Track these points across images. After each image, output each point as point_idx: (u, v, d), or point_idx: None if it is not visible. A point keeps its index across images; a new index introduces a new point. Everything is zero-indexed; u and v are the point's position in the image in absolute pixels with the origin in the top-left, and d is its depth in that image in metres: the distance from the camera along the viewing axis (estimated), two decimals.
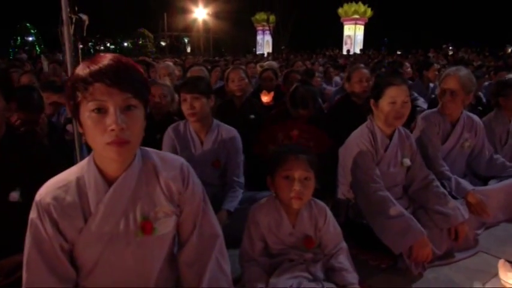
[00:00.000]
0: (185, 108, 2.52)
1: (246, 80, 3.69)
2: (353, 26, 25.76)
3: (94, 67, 1.12)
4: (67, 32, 2.51)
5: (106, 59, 1.15)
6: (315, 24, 28.20)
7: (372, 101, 2.35)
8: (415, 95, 5.28)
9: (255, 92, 4.68)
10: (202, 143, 2.67)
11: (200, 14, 29.08)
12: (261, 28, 30.25)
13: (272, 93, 3.99)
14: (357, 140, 2.33)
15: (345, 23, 26.16)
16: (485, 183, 2.92)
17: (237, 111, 3.73)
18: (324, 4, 25.04)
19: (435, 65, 5.56)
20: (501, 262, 2.02)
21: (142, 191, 1.29)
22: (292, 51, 23.95)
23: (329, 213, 1.90)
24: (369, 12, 25.68)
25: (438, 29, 27.13)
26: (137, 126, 1.18)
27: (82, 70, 1.13)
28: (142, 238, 1.28)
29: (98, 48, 37.98)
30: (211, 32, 29.84)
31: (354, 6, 25.20)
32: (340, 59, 17.76)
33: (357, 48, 23.51)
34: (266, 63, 6.00)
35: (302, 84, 3.14)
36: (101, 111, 1.13)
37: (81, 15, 2.48)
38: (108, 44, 36.50)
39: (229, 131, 2.70)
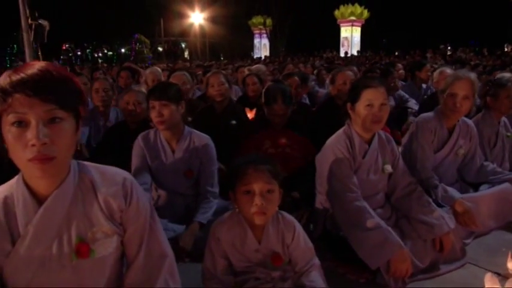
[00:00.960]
0: (153, 115, 2.40)
1: (226, 85, 3.56)
2: (350, 27, 25.67)
3: (16, 77, 1.02)
4: (27, 38, 2.38)
5: (31, 67, 1.05)
6: (311, 27, 28.12)
7: (348, 105, 2.21)
8: (407, 96, 5.16)
9: (242, 97, 4.57)
10: (173, 151, 2.55)
11: (197, 19, 29.01)
12: (258, 32, 30.23)
13: (254, 110, 3.86)
14: (333, 146, 2.19)
15: (341, 25, 26.09)
16: (476, 189, 2.79)
17: (218, 117, 3.60)
18: (320, 6, 25.01)
19: (427, 65, 5.43)
20: (488, 276, 1.88)
21: (77, 210, 1.17)
22: (289, 54, 23.87)
23: (298, 227, 1.77)
24: (366, 13, 25.60)
25: (436, 30, 27.04)
26: (64, 140, 1.07)
27: (3, 80, 1.03)
28: (78, 261, 1.16)
29: (95, 55, 38.06)
30: (208, 36, 29.79)
31: (350, 8, 25.14)
32: (337, 61, 17.74)
33: (354, 50, 23.40)
34: (254, 67, 5.87)
35: (273, 82, 3.02)
36: (22, 124, 1.02)
37: (41, 21, 2.36)
38: (106, 51, 36.48)
39: (201, 139, 2.57)
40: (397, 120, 4.74)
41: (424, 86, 5.44)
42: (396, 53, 19.62)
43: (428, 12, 28.23)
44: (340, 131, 2.26)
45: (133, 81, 5.67)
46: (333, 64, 14.95)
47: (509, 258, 2.12)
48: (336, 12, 25.79)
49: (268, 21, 28.43)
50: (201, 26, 29.23)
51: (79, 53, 38.62)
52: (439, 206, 2.37)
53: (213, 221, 2.33)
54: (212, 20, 29.21)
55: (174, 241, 2.20)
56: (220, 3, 27.63)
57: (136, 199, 1.25)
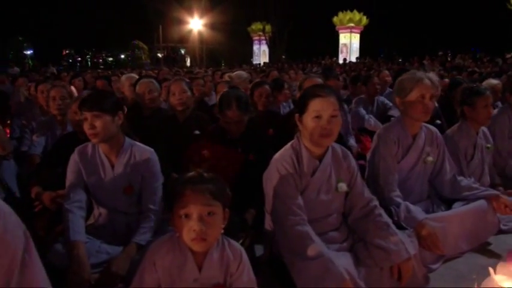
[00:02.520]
0: (86, 128, 2.19)
1: (188, 93, 3.35)
2: (348, 34, 25.45)
3: None
4: None
5: None
6: (311, 34, 27.99)
7: (296, 116, 1.99)
8: (390, 104, 4.93)
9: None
10: (113, 166, 2.33)
11: (196, 25, 28.97)
12: (257, 38, 30.09)
13: None
14: (278, 162, 1.96)
15: (340, 31, 25.87)
16: (449, 207, 2.55)
17: (181, 127, 3.39)
18: (319, 13, 24.84)
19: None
20: None
21: None
22: (289, 61, 23.70)
23: (244, 256, 1.58)
24: (364, 20, 25.40)
25: (437, 36, 26.83)
26: None
27: None
28: None
29: (95, 60, 38.12)
30: (206, 42, 29.71)
31: (348, 15, 24.95)
32: (335, 68, 17.55)
33: (353, 57, 23.17)
34: (234, 74, 5.66)
35: (232, 88, 2.83)
36: None
37: None
38: (106, 57, 36.53)
39: (143, 152, 2.35)
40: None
41: None
42: (400, 60, 19.41)
43: (429, 19, 27.98)
44: (288, 145, 2.03)
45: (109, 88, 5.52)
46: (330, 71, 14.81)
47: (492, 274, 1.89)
48: (335, 19, 25.57)
49: (268, 27, 28.28)
50: (200, 33, 29.19)
51: (79, 59, 38.68)
52: (403, 228, 2.14)
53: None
54: (211, 26, 29.16)
55: (107, 265, 2.01)
56: (219, 10, 27.55)
57: (3, 231, 1.04)
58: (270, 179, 1.96)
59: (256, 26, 29.03)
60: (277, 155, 2.01)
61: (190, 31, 29.54)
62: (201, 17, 28.52)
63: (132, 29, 30.30)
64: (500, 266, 1.96)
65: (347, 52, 25.13)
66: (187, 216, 1.43)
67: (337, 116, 1.90)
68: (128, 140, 2.36)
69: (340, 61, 21.76)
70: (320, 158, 2.00)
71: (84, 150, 2.34)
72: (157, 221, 2.29)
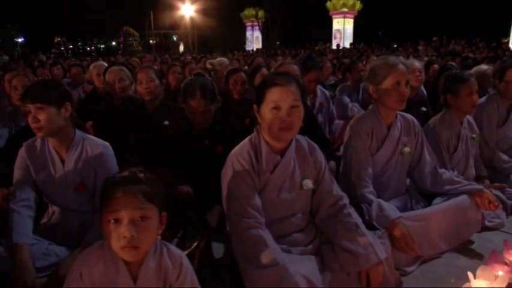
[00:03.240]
0: (30, 121, 1.99)
1: (157, 82, 3.13)
2: (342, 19, 24.96)
3: None
4: None
5: None
6: (304, 19, 27.54)
7: (255, 107, 1.79)
8: None
9: None
10: (63, 162, 2.14)
11: (187, 11, 28.44)
12: (250, 24, 29.59)
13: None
14: (233, 158, 1.78)
15: (333, 16, 25.36)
16: (429, 202, 2.38)
17: (149, 117, 3.19)
18: None
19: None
20: None
21: None
22: (281, 47, 23.35)
23: (186, 265, 1.41)
24: (358, 5, 24.91)
25: (432, 21, 26.42)
26: None
27: None
28: None
29: (87, 48, 37.57)
30: (199, 29, 29.22)
31: (342, 0, 24.50)
32: (329, 54, 17.26)
33: (347, 43, 22.78)
34: (216, 60, 5.44)
35: (196, 76, 2.62)
36: None
37: None
38: (98, 44, 35.98)
39: (95, 146, 2.16)
40: None
41: None
42: (395, 46, 19.09)
43: (424, 4, 27.50)
44: (246, 139, 1.85)
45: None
46: (324, 56, 14.51)
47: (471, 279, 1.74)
48: (328, 4, 25.04)
49: (261, 13, 27.79)
50: (192, 19, 28.69)
51: (71, 46, 38.06)
52: (375, 229, 1.97)
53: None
54: (203, 12, 28.63)
55: (55, 268, 1.89)
56: None
57: None
58: (225, 176, 1.78)
59: (249, 11, 28.51)
60: (234, 150, 1.83)
61: (182, 17, 29.00)
62: (192, 2, 27.99)
63: (123, 15, 29.76)
64: (481, 270, 1.80)
65: (340, 38, 24.70)
66: (116, 221, 1.26)
67: (299, 106, 1.71)
68: (78, 133, 2.17)
69: (334, 47, 21.41)
70: (282, 153, 1.81)
71: (32, 145, 2.15)
72: None
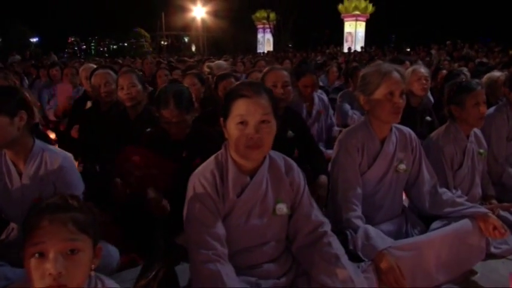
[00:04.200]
0: None
1: (139, 87, 2.93)
2: (354, 22, 24.62)
3: None
4: None
5: None
6: (316, 22, 27.24)
7: (221, 120, 1.58)
8: None
9: None
10: (20, 175, 1.96)
11: (199, 13, 28.39)
12: (261, 26, 29.40)
13: None
14: (195, 178, 1.57)
15: (345, 19, 25.04)
16: (427, 226, 2.13)
17: (132, 125, 2.99)
18: (325, 0, 24.10)
19: (406, 63, 4.70)
20: None
21: None
22: (292, 50, 23.08)
23: None
24: (370, 8, 24.51)
25: (447, 25, 25.85)
26: None
27: None
28: None
29: (100, 48, 37.88)
30: (210, 30, 29.15)
31: (354, 2, 24.06)
32: (339, 57, 16.95)
33: (358, 46, 22.44)
34: (214, 63, 5.24)
35: (170, 83, 2.42)
36: None
37: None
38: (110, 45, 36.25)
39: (55, 158, 1.97)
40: None
41: None
42: (408, 49, 18.68)
43: (438, 7, 26.89)
44: (212, 157, 1.63)
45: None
46: (332, 60, 14.22)
47: None
48: (340, 7, 24.74)
49: (272, 15, 27.58)
50: (203, 20, 28.62)
51: (84, 46, 38.40)
52: (360, 260, 1.74)
53: None
54: (215, 14, 28.55)
55: None
56: None
57: None
58: (186, 199, 1.57)
59: (261, 13, 28.33)
60: (198, 169, 1.61)
61: (193, 19, 28.98)
62: (204, 4, 27.92)
63: (134, 16, 29.89)
64: None
65: (352, 41, 24.36)
66: (41, 255, 1.08)
67: (270, 121, 1.49)
68: (38, 143, 1.98)
69: (345, 50, 21.09)
70: (252, 174, 1.59)
71: None
72: None
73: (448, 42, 17.04)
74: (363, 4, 24.23)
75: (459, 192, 2.38)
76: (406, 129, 2.15)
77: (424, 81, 3.50)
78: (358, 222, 1.83)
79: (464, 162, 2.44)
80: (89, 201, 1.28)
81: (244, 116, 1.46)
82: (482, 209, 2.07)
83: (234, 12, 27.34)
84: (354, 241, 1.76)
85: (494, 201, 2.54)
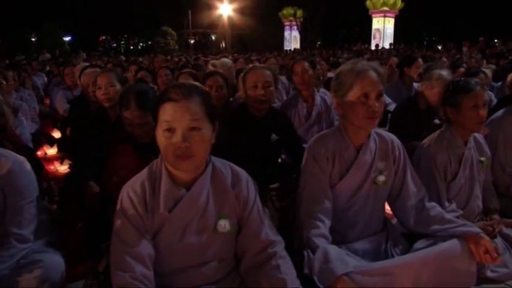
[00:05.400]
0: None
1: (118, 87, 2.80)
2: (382, 18, 23.77)
3: None
4: None
5: None
6: (344, 19, 26.62)
7: (153, 127, 1.41)
8: (389, 99, 4.20)
9: None
10: None
11: (225, 10, 28.37)
12: (288, 23, 29.04)
13: None
14: (124, 191, 1.41)
15: (373, 15, 24.22)
16: (410, 245, 1.89)
17: (112, 126, 2.87)
18: None
19: (419, 60, 4.38)
20: None
21: None
22: (323, 47, 22.63)
23: None
24: (399, 3, 23.64)
25: (481, 21, 24.60)
26: None
27: None
28: None
29: (130, 47, 38.67)
30: (236, 28, 29.08)
31: None
32: (366, 55, 16.44)
33: (387, 43, 21.69)
34: (219, 62, 5.07)
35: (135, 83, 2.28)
36: None
37: None
38: (137, 42, 36.93)
39: (5, 163, 1.85)
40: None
41: (415, 85, 4.40)
42: (439, 47, 17.88)
43: (471, 2, 25.54)
44: (147, 167, 1.47)
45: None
46: (358, 58, 13.80)
47: None
48: (368, 3, 23.92)
49: (299, 12, 27.21)
50: (229, 18, 28.59)
51: (114, 44, 39.27)
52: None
53: (8, 275, 1.73)
54: (241, 11, 28.44)
55: None
56: None
57: None
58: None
59: (288, 11, 27.98)
60: (129, 180, 1.45)
61: (220, 16, 29.00)
62: (230, 1, 27.86)
63: (161, 14, 30.23)
64: None
65: (380, 38, 23.56)
66: None
67: (201, 128, 1.31)
68: None
69: (373, 47, 20.46)
70: (189, 185, 1.41)
71: None
72: (22, 249, 1.82)
73: (480, 38, 16.17)
74: (391, 0, 23.42)
75: (453, 206, 2.12)
76: (389, 136, 1.91)
77: None
78: (319, 241, 1.60)
79: (460, 171, 2.17)
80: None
81: (171, 123, 1.29)
82: (474, 229, 1.81)
83: (261, 9, 27.13)
84: (310, 264, 1.55)
85: (496, 217, 2.25)
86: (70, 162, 3.34)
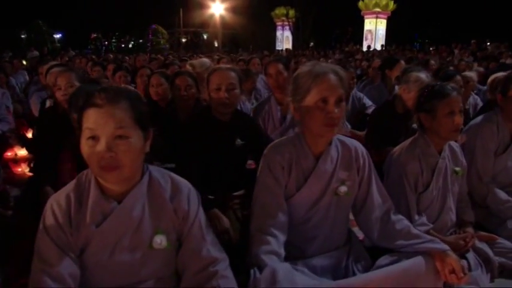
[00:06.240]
0: None
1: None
2: (374, 20, 23.73)
3: None
4: None
5: None
6: (338, 20, 26.54)
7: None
8: (370, 102, 4.09)
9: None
10: None
11: (217, 9, 28.18)
12: (280, 24, 28.92)
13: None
14: (48, 204, 1.28)
15: (365, 16, 24.19)
16: (373, 261, 1.76)
17: (72, 129, 2.71)
18: None
19: (401, 62, 4.27)
20: None
21: None
22: (316, 48, 22.51)
23: None
24: (392, 5, 23.60)
25: (474, 24, 24.64)
26: None
27: None
28: None
29: (121, 45, 38.34)
30: (228, 27, 28.88)
31: None
32: (357, 56, 16.37)
33: (378, 44, 21.65)
34: (197, 61, 4.91)
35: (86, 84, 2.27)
36: None
37: None
38: (128, 41, 36.64)
39: None
40: (355, 128, 3.71)
41: (397, 88, 4.29)
42: (432, 48, 17.85)
43: (464, 5, 25.57)
44: (75, 179, 1.33)
45: None
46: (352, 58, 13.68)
47: None
48: (360, 3, 23.89)
49: (291, 12, 27.09)
50: (221, 17, 28.40)
51: (106, 42, 38.86)
52: None
53: None
54: (233, 10, 28.22)
55: None
56: None
57: None
58: None
59: (280, 10, 27.84)
60: (59, 191, 1.31)
61: (211, 15, 28.79)
62: (222, 1, 27.68)
63: (152, 13, 29.99)
64: None
65: (372, 39, 23.54)
66: None
67: (129, 137, 1.17)
68: None
69: (365, 48, 20.41)
70: (121, 198, 1.27)
71: None
72: None
73: (472, 41, 16.16)
74: (383, 1, 23.35)
75: (424, 219, 2.00)
76: (352, 143, 1.78)
77: None
78: (268, 259, 1.46)
79: (433, 182, 2.05)
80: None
81: (94, 130, 1.15)
82: (441, 245, 1.68)
83: (253, 8, 26.93)
84: (255, 284, 1.41)
85: (470, 229, 2.13)
86: (31, 165, 3.19)
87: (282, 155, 1.64)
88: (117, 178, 1.19)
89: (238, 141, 2.39)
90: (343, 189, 1.71)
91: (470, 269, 1.92)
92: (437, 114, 1.98)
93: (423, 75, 2.96)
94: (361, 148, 1.79)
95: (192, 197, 1.37)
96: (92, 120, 1.15)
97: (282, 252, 1.53)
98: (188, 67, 4.90)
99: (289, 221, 1.65)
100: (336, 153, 1.71)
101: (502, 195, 2.37)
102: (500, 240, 2.14)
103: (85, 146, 1.17)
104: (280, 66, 3.20)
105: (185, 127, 2.47)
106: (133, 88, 1.28)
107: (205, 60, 5.08)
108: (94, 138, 1.15)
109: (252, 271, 1.44)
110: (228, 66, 2.55)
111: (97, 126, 1.15)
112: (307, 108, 1.57)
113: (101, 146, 1.14)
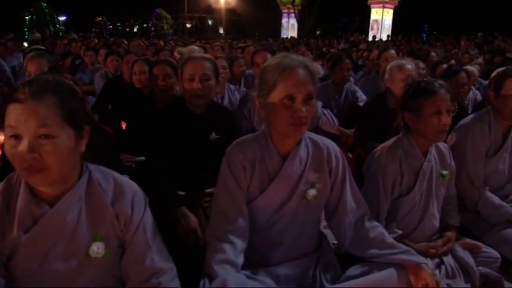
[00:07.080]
0: None
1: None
2: (381, 9, 23.26)
3: None
4: None
5: None
6: (345, 8, 26.05)
7: None
8: (364, 96, 3.93)
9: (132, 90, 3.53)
10: None
11: None
12: (286, 11, 28.45)
13: None
14: None
15: (372, 6, 23.71)
16: (344, 270, 1.64)
17: None
18: None
19: (391, 51, 4.10)
20: None
21: None
22: (324, 36, 22.16)
23: None
24: None
25: (483, 16, 24.12)
26: None
27: None
28: None
29: (126, 29, 38.02)
30: (233, 13, 28.48)
31: None
32: (361, 45, 16.09)
33: (384, 34, 21.26)
34: (186, 48, 4.76)
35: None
36: None
37: None
38: (133, 25, 36.32)
39: None
40: (347, 123, 3.56)
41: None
42: (438, 40, 17.49)
43: None
44: (5, 180, 1.21)
45: None
46: (357, 48, 13.42)
47: None
48: None
49: (297, 0, 26.62)
50: (227, 2, 28.00)
51: (110, 26, 38.49)
52: None
53: None
54: None
55: None
56: None
57: None
58: None
59: None
60: None
61: (217, 1, 28.39)
62: None
63: None
64: None
65: (378, 29, 23.11)
66: None
67: (54, 136, 1.04)
68: None
69: (370, 38, 20.06)
70: (55, 201, 1.15)
71: None
72: None
73: (479, 34, 15.79)
74: None
75: (393, 226, 1.87)
76: (325, 143, 1.64)
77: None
78: (221, 269, 1.33)
79: (416, 186, 1.91)
80: None
81: (15, 129, 1.03)
82: (417, 257, 1.56)
83: None
84: None
85: (450, 234, 1.97)
86: None
87: (244, 154, 1.51)
88: (43, 181, 1.07)
89: (213, 135, 2.27)
90: (312, 192, 1.58)
91: (447, 276, 1.81)
92: (423, 113, 1.84)
93: (408, 65, 2.81)
94: (334, 148, 1.65)
95: (136, 200, 1.25)
96: (13, 117, 1.03)
97: (239, 261, 1.40)
98: (176, 55, 4.76)
99: (252, 225, 1.53)
100: (306, 154, 1.58)
101: (495, 199, 2.23)
102: (485, 248, 2.00)
103: (7, 146, 1.05)
104: (268, 56, 3.06)
105: (158, 118, 2.34)
106: (68, 81, 1.14)
107: (195, 47, 4.91)
108: (16, 137, 1.03)
109: (201, 282, 1.32)
110: (204, 55, 2.41)
111: (18, 124, 1.02)
112: (272, 105, 1.43)
113: (23, 146, 1.02)
